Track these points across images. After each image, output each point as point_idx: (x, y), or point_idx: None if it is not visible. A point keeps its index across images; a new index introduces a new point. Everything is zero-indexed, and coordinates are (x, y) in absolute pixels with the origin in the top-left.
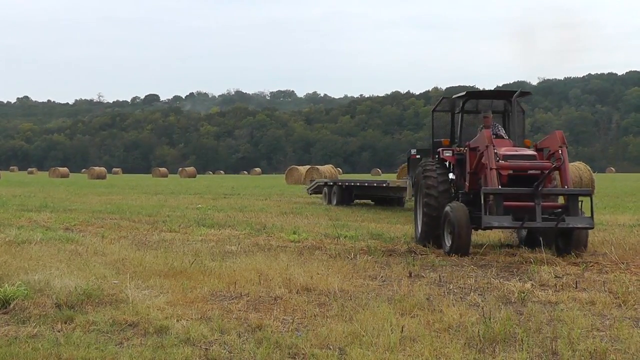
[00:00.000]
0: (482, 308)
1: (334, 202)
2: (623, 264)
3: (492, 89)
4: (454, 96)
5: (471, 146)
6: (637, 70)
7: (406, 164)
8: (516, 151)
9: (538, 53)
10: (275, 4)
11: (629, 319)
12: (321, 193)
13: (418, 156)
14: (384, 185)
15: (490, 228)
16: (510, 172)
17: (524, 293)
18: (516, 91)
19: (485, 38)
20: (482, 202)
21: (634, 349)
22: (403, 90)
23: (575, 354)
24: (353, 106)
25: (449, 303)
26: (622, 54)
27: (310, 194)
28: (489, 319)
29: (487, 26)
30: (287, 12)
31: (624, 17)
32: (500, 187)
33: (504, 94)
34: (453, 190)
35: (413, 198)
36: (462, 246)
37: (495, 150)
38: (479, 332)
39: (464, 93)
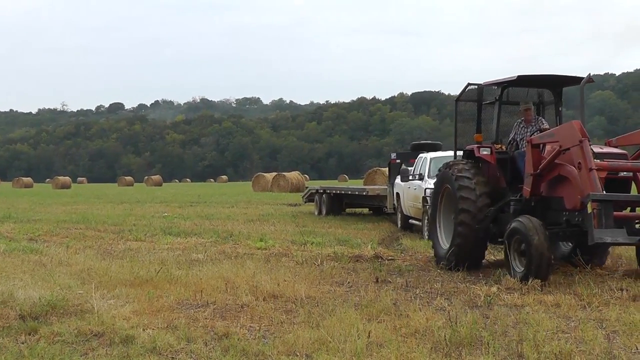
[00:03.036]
0: (449, 312)
1: (324, 212)
2: (588, 266)
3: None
4: (494, 82)
5: (534, 142)
6: (599, 73)
7: (372, 170)
8: (602, 149)
9: (506, 58)
10: (240, 11)
11: (594, 320)
12: (314, 201)
13: (398, 161)
14: (364, 193)
15: (602, 244)
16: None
17: (490, 297)
18: (578, 77)
19: (451, 44)
20: (590, 211)
21: (598, 350)
22: (369, 96)
23: (541, 356)
24: (319, 112)
25: (416, 308)
26: (584, 57)
27: (305, 202)
28: (456, 323)
29: (453, 32)
30: (253, 19)
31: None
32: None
33: (560, 80)
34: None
35: (395, 207)
36: (542, 270)
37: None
38: (445, 336)
39: (514, 77)
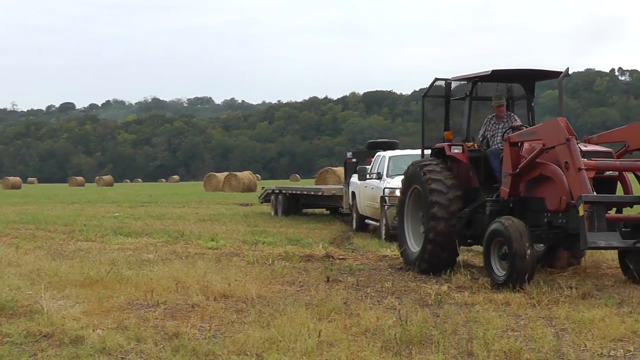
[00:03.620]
0: (399, 311)
1: (279, 212)
2: (538, 264)
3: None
4: (464, 77)
5: (513, 140)
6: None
7: (324, 170)
8: (587, 147)
9: (457, 57)
10: (192, 10)
11: (543, 318)
12: (270, 202)
13: (354, 160)
14: (320, 194)
15: (595, 249)
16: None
17: (440, 295)
18: (555, 72)
19: (403, 43)
20: (582, 214)
21: (547, 348)
22: (321, 96)
23: (491, 354)
24: (271, 112)
25: (366, 307)
26: (535, 57)
27: (262, 202)
28: (406, 322)
29: (405, 31)
30: (204, 18)
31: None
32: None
33: (536, 74)
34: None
35: (350, 208)
36: (525, 273)
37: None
38: (395, 335)
39: (487, 72)
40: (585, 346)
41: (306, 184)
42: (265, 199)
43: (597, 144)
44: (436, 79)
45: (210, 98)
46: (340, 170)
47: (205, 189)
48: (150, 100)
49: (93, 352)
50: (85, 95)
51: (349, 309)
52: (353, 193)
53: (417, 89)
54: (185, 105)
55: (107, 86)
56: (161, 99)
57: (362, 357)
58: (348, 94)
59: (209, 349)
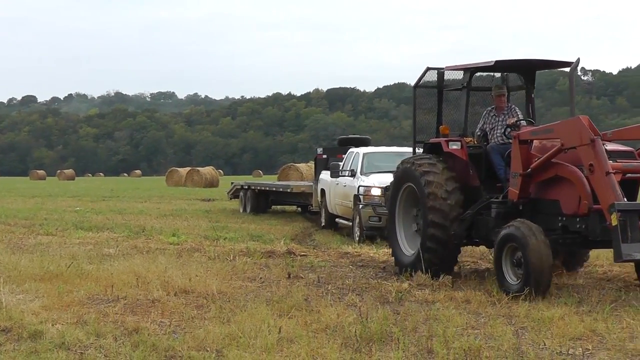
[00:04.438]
0: (360, 308)
1: (248, 209)
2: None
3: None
4: (461, 66)
5: (523, 137)
6: None
7: (287, 166)
8: (607, 146)
9: (421, 53)
10: (155, 5)
11: (503, 316)
12: (238, 197)
13: (325, 156)
14: (289, 190)
15: (630, 261)
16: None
17: (401, 293)
18: (564, 62)
19: (366, 40)
20: (616, 224)
21: (506, 346)
22: (284, 92)
23: (450, 352)
24: (234, 108)
25: (327, 303)
26: (498, 55)
27: (231, 199)
28: (366, 319)
29: (368, 28)
30: (168, 13)
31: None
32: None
33: (545, 65)
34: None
35: (319, 206)
36: (543, 283)
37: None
38: (355, 332)
39: (490, 62)
40: (545, 344)
41: (269, 180)
42: (234, 194)
43: (610, 141)
44: (428, 69)
45: (174, 93)
46: (303, 166)
47: (167, 184)
48: (113, 94)
49: (52, 346)
50: (47, 88)
51: (310, 305)
52: (322, 190)
53: (381, 86)
54: (148, 99)
55: (69, 80)
56: (124, 93)
57: (322, 354)
58: (312, 91)
59: (169, 344)
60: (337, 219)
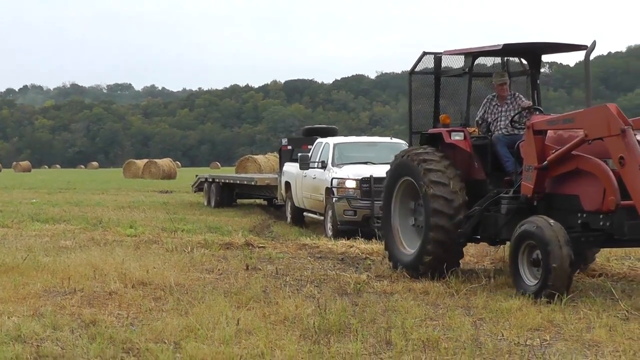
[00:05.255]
0: (318, 299)
1: (212, 203)
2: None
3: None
4: (462, 50)
5: (538, 128)
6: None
7: (245, 158)
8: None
9: (380, 45)
10: None
11: (461, 307)
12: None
13: (290, 147)
14: (253, 183)
15: None
16: None
17: (359, 284)
18: (579, 45)
19: (324, 32)
20: None
21: (465, 337)
22: (242, 84)
23: (409, 343)
24: (192, 99)
25: (285, 295)
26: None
27: (195, 192)
28: (325, 310)
29: (326, 20)
30: (125, 4)
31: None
32: None
33: (557, 48)
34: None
35: (284, 199)
36: (563, 283)
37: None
38: (314, 323)
39: (498, 46)
40: (503, 335)
41: (233, 173)
42: (199, 187)
43: None
44: (424, 53)
45: (130, 84)
46: (261, 158)
47: (124, 176)
48: (69, 85)
49: (8, 339)
50: (1, 79)
51: (268, 297)
52: (288, 183)
53: (339, 78)
54: (105, 91)
55: (24, 71)
56: (80, 84)
57: (281, 346)
58: (269, 82)
59: (127, 336)
60: (304, 213)
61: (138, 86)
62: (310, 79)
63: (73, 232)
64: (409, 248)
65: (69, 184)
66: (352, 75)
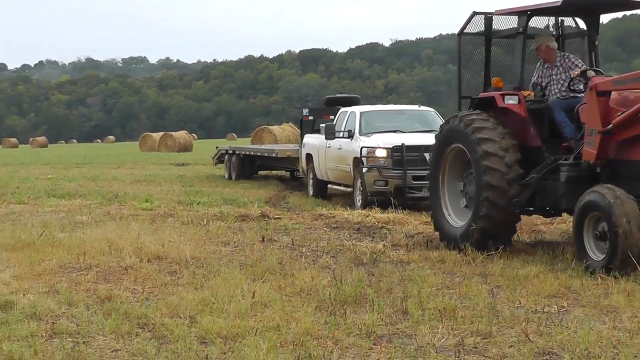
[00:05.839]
0: (334, 270)
1: (233, 175)
2: None
3: None
4: (516, 9)
5: (601, 88)
6: None
7: (260, 128)
8: None
9: (397, 13)
10: None
11: (478, 275)
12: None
13: (311, 117)
14: (274, 155)
15: None
16: None
17: (375, 254)
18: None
19: (337, 1)
20: None
21: (482, 305)
22: (257, 54)
23: (425, 313)
24: (207, 71)
25: (301, 266)
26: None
27: (216, 164)
28: (340, 281)
29: None
30: None
31: None
32: None
33: (620, 4)
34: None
35: (305, 172)
36: (633, 256)
37: None
38: (330, 294)
39: (557, 2)
40: (520, 303)
41: (266, 145)
42: (219, 159)
43: None
44: (474, 13)
45: (145, 58)
46: (276, 129)
47: (140, 149)
48: (84, 60)
49: (23, 317)
50: (17, 56)
51: (284, 269)
52: (309, 155)
53: (353, 47)
54: (120, 65)
55: (39, 46)
56: (95, 59)
57: (297, 318)
58: (284, 52)
59: (142, 312)
60: (329, 185)
61: (153, 59)
62: (324, 48)
63: (89, 207)
64: (458, 220)
65: (86, 159)
66: (367, 44)
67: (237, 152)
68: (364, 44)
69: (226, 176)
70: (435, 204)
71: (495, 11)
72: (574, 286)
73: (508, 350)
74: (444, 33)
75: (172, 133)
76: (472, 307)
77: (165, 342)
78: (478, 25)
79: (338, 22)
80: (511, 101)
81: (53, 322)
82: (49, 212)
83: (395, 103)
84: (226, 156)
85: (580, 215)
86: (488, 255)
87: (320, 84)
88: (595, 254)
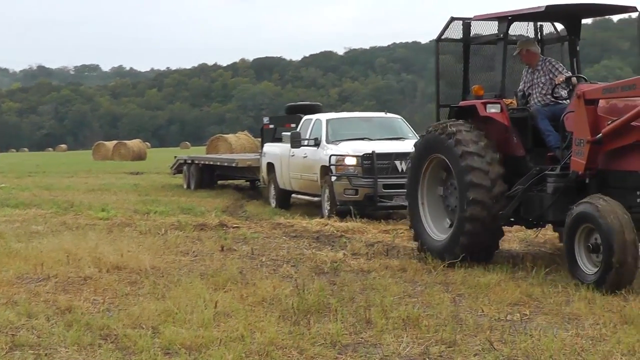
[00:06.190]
0: (296, 280)
1: (192, 185)
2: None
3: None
4: (494, 15)
5: (590, 96)
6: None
7: (215, 137)
8: None
9: (349, 20)
10: None
11: (439, 284)
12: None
13: (272, 126)
14: (234, 165)
15: None
16: None
17: (336, 263)
18: (628, 7)
19: (292, 9)
20: None
21: (445, 314)
22: (210, 63)
23: (389, 322)
24: (160, 79)
25: (262, 276)
26: (425, 23)
27: (174, 174)
28: (303, 291)
29: None
30: None
31: None
32: None
33: (605, 10)
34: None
35: (266, 182)
36: (627, 272)
37: None
38: (293, 304)
39: (540, 8)
40: (483, 311)
41: (225, 155)
42: (178, 169)
43: None
44: (452, 19)
45: (98, 65)
46: (231, 137)
47: (94, 158)
48: (35, 68)
49: None
50: None
51: (245, 278)
52: (271, 165)
53: (308, 55)
54: (72, 73)
55: None
56: (47, 66)
57: (260, 327)
58: (238, 61)
59: (104, 322)
60: (294, 195)
61: (106, 67)
62: (278, 56)
63: (44, 216)
64: (438, 232)
65: (38, 168)
66: (321, 52)
67: (197, 161)
68: (318, 52)
69: (185, 186)
70: (415, 214)
71: (474, 17)
72: (535, 294)
73: (473, 359)
74: (397, 42)
75: (126, 141)
76: (436, 316)
77: (129, 353)
78: (456, 32)
79: (292, 31)
80: (493, 110)
81: (13, 334)
82: (3, 222)
83: (349, 111)
84: (185, 166)
85: (571, 228)
86: (449, 263)
87: (275, 92)
88: (587, 268)
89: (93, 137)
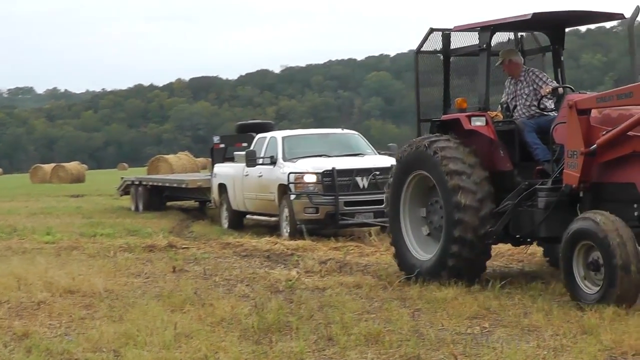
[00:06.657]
0: (253, 299)
1: (140, 207)
2: (382, 246)
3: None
4: (477, 24)
5: (582, 106)
6: (375, 55)
7: (156, 158)
8: None
9: (284, 40)
10: None
11: (397, 299)
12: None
13: (222, 145)
14: (184, 186)
15: None
16: None
17: (291, 281)
18: (616, 14)
19: (227, 28)
20: None
21: (406, 329)
22: (146, 83)
23: (351, 338)
24: (96, 101)
25: (218, 296)
26: (360, 40)
27: (121, 195)
28: (262, 310)
29: (228, 16)
30: (23, 4)
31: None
32: None
33: (592, 17)
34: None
35: (218, 203)
36: (630, 290)
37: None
38: (252, 323)
39: (527, 15)
40: (443, 325)
41: (175, 175)
42: (125, 191)
43: None
44: (432, 30)
45: (32, 88)
46: (172, 158)
47: (32, 181)
48: None
49: None
50: None
51: (201, 299)
52: (222, 185)
53: (244, 74)
54: (6, 96)
55: None
56: None
57: (223, 347)
58: (174, 81)
59: (64, 347)
60: (248, 216)
61: (40, 89)
62: (214, 75)
63: None
64: (423, 253)
65: None
66: (257, 71)
67: (144, 182)
68: (254, 71)
69: (132, 208)
70: (396, 233)
71: (454, 27)
72: (493, 307)
73: None
74: (333, 59)
75: (64, 164)
76: (397, 331)
77: None
78: (436, 43)
79: (228, 50)
80: (478, 123)
81: None
82: None
83: (287, 129)
84: (132, 187)
85: (568, 245)
86: (404, 278)
87: (212, 111)
88: (587, 287)
89: (29, 160)
